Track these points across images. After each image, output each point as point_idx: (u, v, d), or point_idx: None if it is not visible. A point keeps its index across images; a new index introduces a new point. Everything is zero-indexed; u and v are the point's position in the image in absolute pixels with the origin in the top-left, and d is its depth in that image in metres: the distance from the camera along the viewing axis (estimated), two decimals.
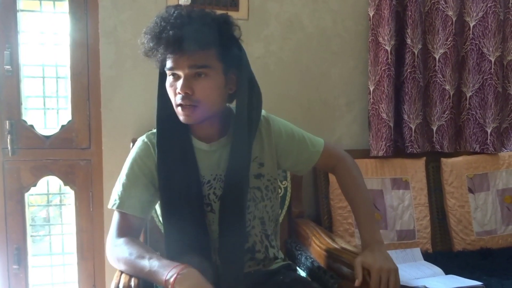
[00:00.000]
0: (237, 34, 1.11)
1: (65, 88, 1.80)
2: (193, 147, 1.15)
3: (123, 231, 1.11)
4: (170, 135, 1.13)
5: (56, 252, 1.87)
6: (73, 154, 1.78)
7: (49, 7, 1.78)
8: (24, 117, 1.75)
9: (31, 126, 1.75)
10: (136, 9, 1.75)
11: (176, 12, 1.04)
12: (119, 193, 1.14)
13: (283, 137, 1.25)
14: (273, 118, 1.26)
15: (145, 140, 1.18)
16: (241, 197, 1.13)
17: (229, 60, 1.08)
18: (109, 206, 1.16)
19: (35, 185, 1.78)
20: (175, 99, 1.07)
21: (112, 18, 1.73)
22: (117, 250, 1.08)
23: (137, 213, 1.13)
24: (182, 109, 1.06)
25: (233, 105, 1.17)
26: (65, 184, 1.80)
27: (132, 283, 1.03)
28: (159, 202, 1.18)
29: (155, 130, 1.17)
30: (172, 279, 0.94)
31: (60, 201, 1.91)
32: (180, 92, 1.04)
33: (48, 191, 1.86)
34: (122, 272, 1.08)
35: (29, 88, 1.79)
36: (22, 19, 1.74)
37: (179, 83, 1.04)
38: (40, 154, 1.75)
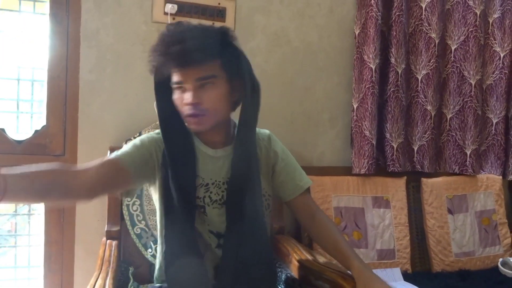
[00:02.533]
0: (237, 44, 1.16)
1: (41, 92, 1.73)
2: (195, 150, 1.19)
3: (96, 169, 1.05)
4: (175, 140, 1.16)
5: (21, 265, 1.77)
6: (46, 161, 1.66)
7: (29, 7, 1.72)
8: None
9: (2, 130, 1.66)
10: (120, 13, 1.71)
11: (179, 28, 1.09)
12: (122, 151, 1.14)
13: (279, 158, 1.28)
14: (274, 139, 1.31)
15: (158, 134, 1.20)
16: (248, 200, 1.15)
17: (232, 69, 1.12)
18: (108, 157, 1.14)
19: None
20: (184, 110, 1.11)
21: (94, 21, 1.68)
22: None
23: (127, 165, 1.09)
24: (192, 119, 1.11)
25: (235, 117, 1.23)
26: None
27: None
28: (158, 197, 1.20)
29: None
30: None
31: (29, 210, 1.81)
32: (189, 103, 1.08)
33: None
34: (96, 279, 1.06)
35: (2, 90, 1.71)
36: None
37: (187, 94, 1.09)
38: (11, 160, 1.65)
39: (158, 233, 1.24)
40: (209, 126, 1.13)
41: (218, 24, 1.79)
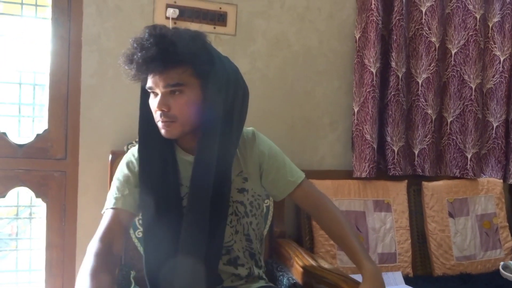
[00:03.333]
0: (211, 49, 1.12)
1: (42, 96, 1.74)
2: (175, 158, 1.17)
3: (110, 230, 1.10)
4: (152, 146, 1.16)
5: (22, 268, 1.76)
6: (47, 165, 1.69)
7: (31, 12, 1.72)
8: None
9: (4, 133, 1.66)
10: (122, 18, 1.72)
11: (148, 33, 1.06)
12: (114, 195, 1.15)
13: (265, 156, 1.25)
14: (260, 136, 1.27)
15: (133, 151, 1.22)
16: (204, 209, 1.09)
17: (206, 75, 1.08)
18: (104, 209, 1.15)
19: (4, 196, 1.67)
20: (155, 115, 1.11)
21: (96, 26, 1.69)
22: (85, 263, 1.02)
23: (131, 208, 1.14)
24: (162, 125, 1.10)
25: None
26: (37, 196, 1.70)
27: None
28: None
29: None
30: None
31: (30, 214, 1.81)
32: (157, 109, 1.08)
33: (18, 203, 1.77)
34: None
35: (3, 94, 1.71)
36: (1, 22, 1.67)
37: (156, 100, 1.08)
38: (12, 164, 1.66)
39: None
40: (179, 133, 1.11)
41: (219, 29, 1.82)
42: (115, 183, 1.18)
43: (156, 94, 1.09)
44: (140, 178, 1.14)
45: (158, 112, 1.08)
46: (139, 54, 1.03)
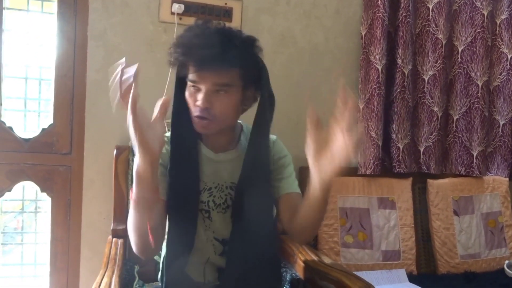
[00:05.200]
0: (261, 55, 1.16)
1: (48, 91, 1.74)
2: (199, 153, 1.18)
3: None
4: (182, 138, 1.16)
5: (27, 262, 1.78)
6: (53, 159, 1.70)
7: (37, 7, 1.73)
8: (2, 118, 1.67)
9: (10, 128, 1.67)
10: (128, 13, 1.72)
11: (207, 28, 1.08)
12: None
13: (276, 162, 1.25)
14: (278, 143, 1.28)
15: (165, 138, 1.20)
16: (255, 205, 1.12)
17: (249, 79, 1.12)
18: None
19: (10, 190, 1.69)
20: (194, 110, 1.10)
21: (102, 21, 1.69)
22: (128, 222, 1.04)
23: (163, 196, 1.11)
24: (199, 121, 1.10)
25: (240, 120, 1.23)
26: (42, 190, 1.71)
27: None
28: None
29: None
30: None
31: (36, 208, 1.82)
32: (200, 105, 1.07)
33: (23, 197, 1.78)
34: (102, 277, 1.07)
35: (10, 89, 1.72)
36: (8, 17, 1.68)
37: (200, 95, 1.08)
38: (18, 158, 1.67)
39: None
40: (214, 131, 1.12)
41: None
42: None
43: (197, 89, 1.09)
44: (170, 169, 1.13)
45: (198, 108, 1.08)
46: (203, 50, 1.03)
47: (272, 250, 1.23)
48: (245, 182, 1.15)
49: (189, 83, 1.10)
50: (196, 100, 1.08)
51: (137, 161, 0.88)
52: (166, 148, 1.15)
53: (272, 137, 1.28)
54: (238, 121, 1.24)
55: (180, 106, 1.13)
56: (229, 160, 1.19)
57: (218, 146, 1.19)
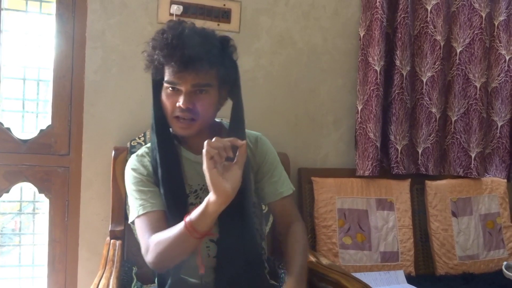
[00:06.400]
0: (235, 55, 1.17)
1: (46, 92, 1.74)
2: (180, 156, 1.18)
3: (154, 231, 1.09)
4: (164, 144, 1.16)
5: (25, 263, 1.77)
6: (51, 161, 1.70)
7: (35, 8, 1.73)
8: (0, 119, 1.67)
9: (8, 129, 1.67)
10: (126, 14, 1.72)
11: (182, 29, 1.08)
12: (137, 202, 1.14)
13: (264, 161, 1.25)
14: (264, 141, 1.28)
15: (138, 153, 1.22)
16: (241, 204, 1.11)
17: (225, 78, 1.13)
18: (132, 219, 1.15)
19: (7, 192, 1.68)
20: (173, 111, 1.10)
21: (100, 22, 1.69)
22: (153, 249, 1.05)
23: (161, 207, 1.13)
24: (179, 122, 1.10)
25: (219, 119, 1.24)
26: (40, 191, 1.71)
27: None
28: None
29: (147, 144, 1.21)
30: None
31: (34, 209, 1.82)
32: (182, 106, 1.07)
33: (21, 199, 1.77)
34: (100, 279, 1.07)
35: (8, 90, 1.71)
36: (6, 18, 1.68)
37: (181, 97, 1.07)
38: (16, 159, 1.67)
39: None
40: (196, 132, 1.12)
41: (223, 26, 1.81)
42: (131, 191, 1.16)
43: (177, 90, 1.08)
44: (162, 176, 1.13)
45: (179, 109, 1.08)
46: (180, 49, 1.03)
47: (257, 250, 1.20)
48: None
49: (166, 85, 1.10)
50: (175, 102, 1.08)
51: (210, 199, 0.95)
52: (148, 160, 1.17)
53: (255, 134, 1.28)
54: (217, 120, 1.24)
55: (159, 111, 1.14)
56: None
57: (197, 147, 1.15)
